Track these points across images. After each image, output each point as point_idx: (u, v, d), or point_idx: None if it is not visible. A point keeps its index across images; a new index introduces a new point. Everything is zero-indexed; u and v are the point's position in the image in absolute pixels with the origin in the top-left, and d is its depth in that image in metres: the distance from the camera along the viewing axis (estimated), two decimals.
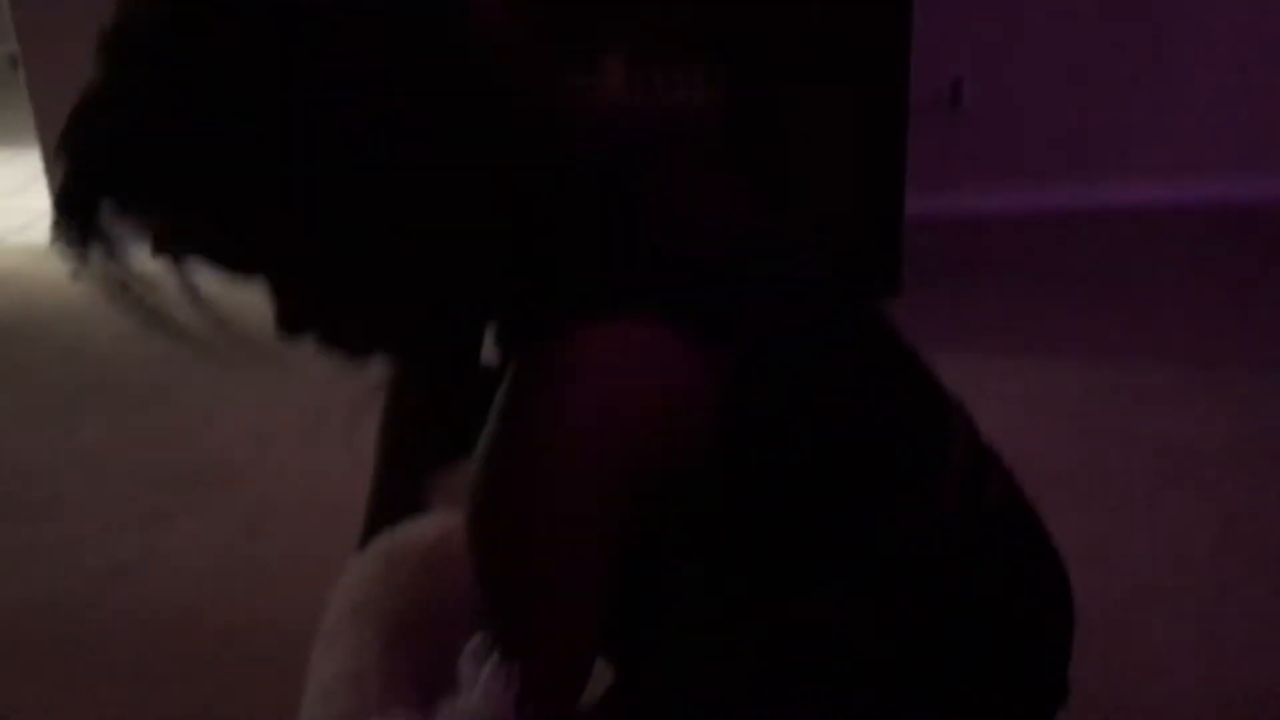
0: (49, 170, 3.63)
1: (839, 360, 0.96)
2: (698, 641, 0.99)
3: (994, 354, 2.81)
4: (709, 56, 1.09)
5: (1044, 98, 3.48)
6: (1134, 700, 1.63)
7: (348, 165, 0.79)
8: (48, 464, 2.47)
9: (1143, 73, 3.45)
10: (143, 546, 2.11)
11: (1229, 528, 2.07)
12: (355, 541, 1.18)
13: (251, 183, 0.78)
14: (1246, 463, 2.27)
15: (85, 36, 0.81)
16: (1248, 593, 1.89)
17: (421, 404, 1.19)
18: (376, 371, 1.17)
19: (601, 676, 1.02)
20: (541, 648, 0.86)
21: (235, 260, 0.83)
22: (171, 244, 0.82)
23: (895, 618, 0.98)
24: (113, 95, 0.77)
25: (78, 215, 0.79)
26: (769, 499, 0.92)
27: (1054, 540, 1.10)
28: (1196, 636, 1.79)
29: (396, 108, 0.79)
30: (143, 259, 0.82)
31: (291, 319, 0.88)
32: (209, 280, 0.84)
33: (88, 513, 2.26)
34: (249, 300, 0.86)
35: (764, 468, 0.90)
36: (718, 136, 1.01)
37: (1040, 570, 1.08)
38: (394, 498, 1.16)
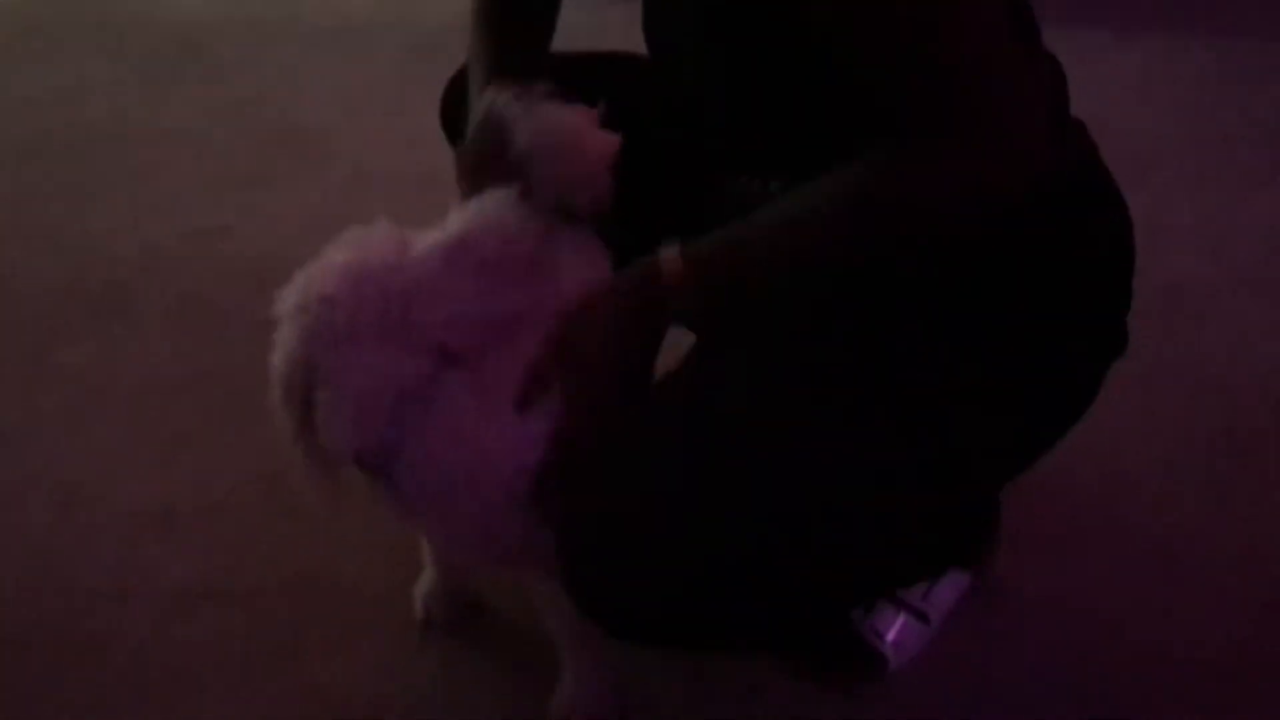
0: None
1: None
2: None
3: (1104, 30, 2.67)
4: None
5: None
6: (1220, 375, 1.64)
7: None
8: (145, 130, 2.51)
9: None
10: (242, 207, 2.17)
11: None
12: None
13: None
14: None
15: None
16: None
17: None
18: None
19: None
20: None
21: None
22: None
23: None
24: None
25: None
26: None
27: (1123, 198, 1.07)
28: None
29: None
30: None
31: None
32: None
33: (188, 176, 2.31)
34: None
35: None
36: None
37: (1107, 219, 1.07)
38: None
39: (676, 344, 1.01)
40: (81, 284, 1.94)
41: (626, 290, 0.98)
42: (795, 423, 0.95)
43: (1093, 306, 1.05)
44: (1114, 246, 1.06)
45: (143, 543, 1.40)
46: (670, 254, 0.96)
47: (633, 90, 1.16)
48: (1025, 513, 1.35)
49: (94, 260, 2.01)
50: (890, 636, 1.20)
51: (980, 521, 1.27)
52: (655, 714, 1.18)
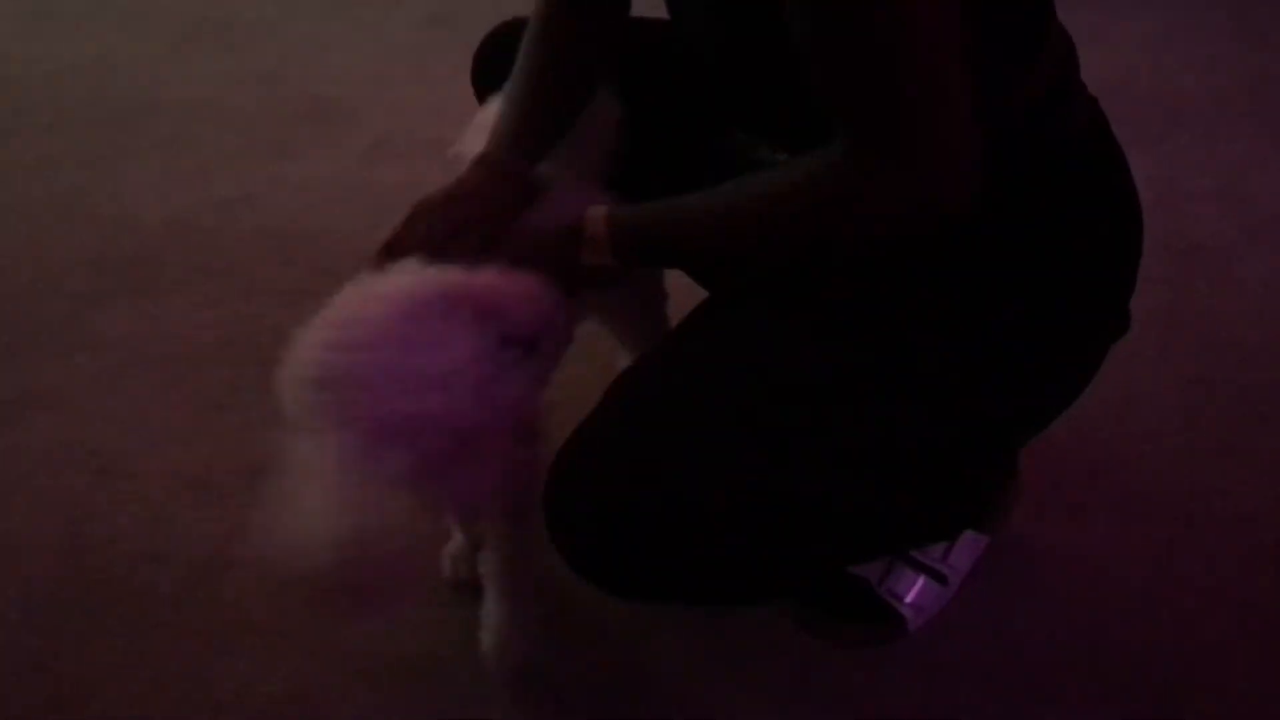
0: None
1: None
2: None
3: None
4: None
5: None
6: (1238, 333, 1.64)
7: None
8: (170, 102, 2.53)
9: None
10: (267, 177, 2.19)
11: None
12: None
13: None
14: None
15: None
16: None
17: (576, 25, 1.18)
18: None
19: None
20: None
21: None
22: None
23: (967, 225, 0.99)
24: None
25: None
26: None
27: (1132, 178, 1.08)
28: None
29: None
30: None
31: None
32: None
33: (212, 145, 2.33)
34: None
35: None
36: None
37: (1113, 202, 1.07)
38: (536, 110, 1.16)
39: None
40: (111, 253, 1.97)
41: (547, 234, 1.03)
42: (800, 379, 0.97)
43: (1095, 291, 1.06)
44: (1119, 233, 1.07)
45: (177, 506, 1.43)
46: (597, 213, 1.01)
47: (655, 51, 1.21)
48: (1043, 471, 1.36)
49: (123, 230, 2.04)
50: (909, 598, 1.22)
51: (995, 484, 1.29)
52: (670, 672, 1.20)
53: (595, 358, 1.44)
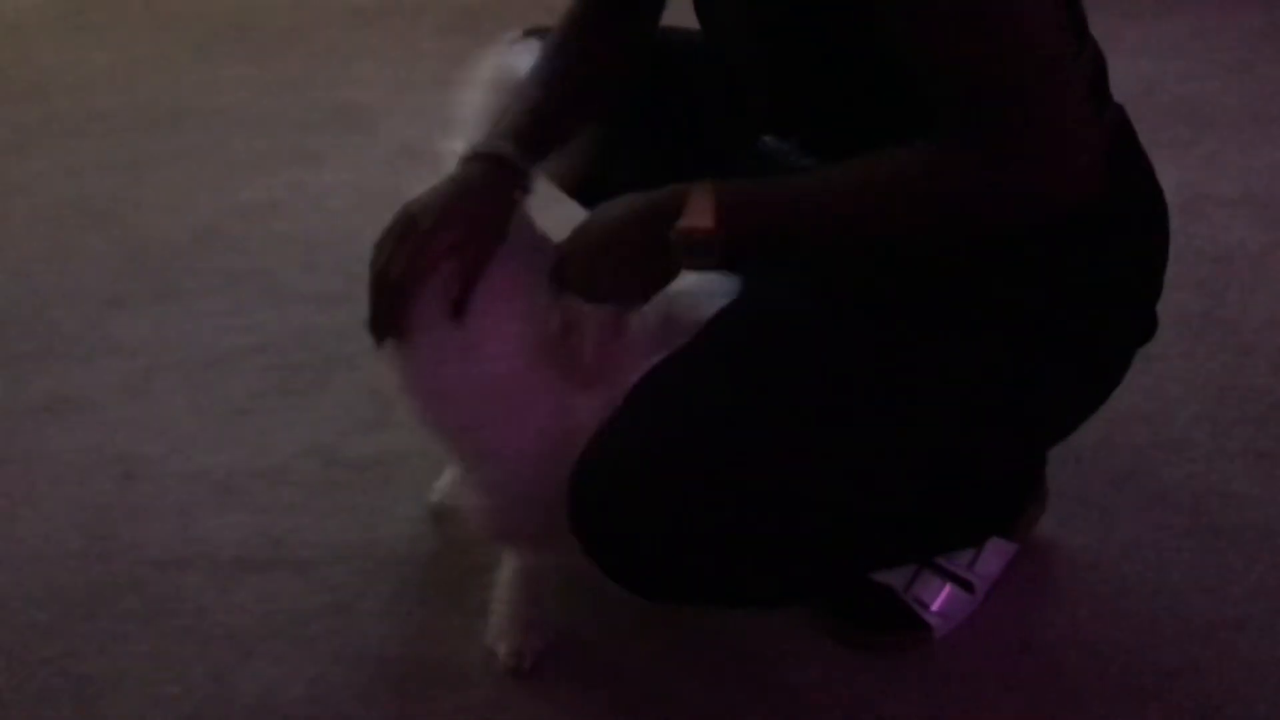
0: None
1: None
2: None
3: None
4: None
5: None
6: (1268, 341, 1.62)
7: None
8: (196, 108, 2.55)
9: None
10: (292, 183, 2.20)
11: None
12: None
13: None
14: None
15: None
16: None
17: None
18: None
19: None
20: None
21: None
22: None
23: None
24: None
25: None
26: None
27: (1157, 183, 1.08)
28: None
29: None
30: None
31: None
32: None
33: (238, 153, 2.34)
34: None
35: None
36: None
37: (1138, 207, 1.07)
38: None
39: None
40: (138, 258, 1.98)
41: (638, 208, 0.99)
42: (825, 383, 0.97)
43: (1121, 295, 1.05)
44: (1144, 239, 1.07)
45: (201, 511, 1.44)
46: (701, 185, 0.94)
47: (683, 59, 1.21)
48: (1071, 475, 1.35)
49: (149, 235, 2.06)
50: (935, 606, 1.21)
51: (1021, 490, 1.28)
52: (689, 678, 1.20)
53: None
